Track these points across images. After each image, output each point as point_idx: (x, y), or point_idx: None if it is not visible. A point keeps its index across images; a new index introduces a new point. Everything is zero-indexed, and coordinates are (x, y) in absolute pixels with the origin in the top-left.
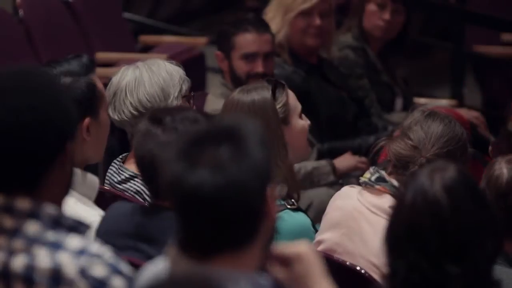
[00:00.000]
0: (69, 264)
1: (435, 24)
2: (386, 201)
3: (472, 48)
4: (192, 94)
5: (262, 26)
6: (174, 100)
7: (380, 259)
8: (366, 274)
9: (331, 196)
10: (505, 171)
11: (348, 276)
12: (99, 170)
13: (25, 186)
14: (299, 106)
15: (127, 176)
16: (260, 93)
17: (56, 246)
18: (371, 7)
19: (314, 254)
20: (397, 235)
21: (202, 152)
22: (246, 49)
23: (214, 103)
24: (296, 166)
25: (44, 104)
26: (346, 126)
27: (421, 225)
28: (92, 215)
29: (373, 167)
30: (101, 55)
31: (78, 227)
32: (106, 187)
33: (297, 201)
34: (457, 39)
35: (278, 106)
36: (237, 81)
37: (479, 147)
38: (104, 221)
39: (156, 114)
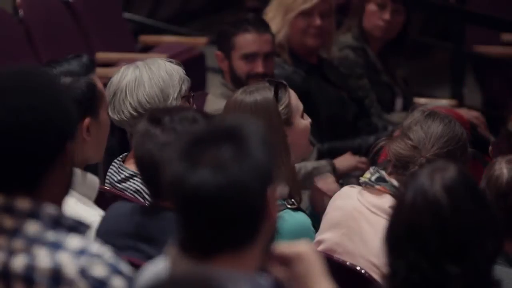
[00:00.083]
0: (69, 264)
1: (435, 24)
2: (386, 201)
3: (472, 48)
4: (192, 94)
5: (262, 26)
6: (173, 101)
7: (380, 259)
8: (366, 274)
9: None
10: (505, 171)
11: (348, 276)
12: (99, 170)
13: (25, 186)
14: (300, 106)
15: (127, 175)
16: (262, 94)
17: (56, 246)
18: (371, 7)
19: (315, 254)
20: (397, 235)
21: (204, 152)
22: (246, 49)
23: (214, 103)
24: (297, 166)
25: (44, 104)
26: (346, 126)
27: (421, 225)
28: (92, 215)
29: (373, 167)
30: (101, 55)
31: (78, 227)
32: (106, 187)
33: (299, 203)
34: (457, 39)
35: (281, 108)
36: (237, 81)
37: (479, 147)
38: (104, 221)
39: (155, 114)
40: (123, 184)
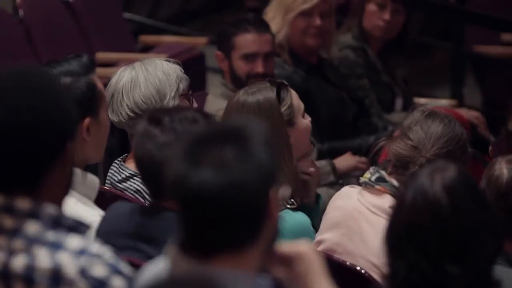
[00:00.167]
0: (69, 264)
1: (435, 24)
2: (386, 201)
3: (472, 48)
4: (190, 93)
5: (262, 26)
6: (170, 100)
7: (380, 259)
8: (366, 274)
9: (331, 196)
10: (505, 171)
11: (348, 276)
12: (99, 170)
13: (25, 186)
14: (302, 106)
15: (127, 175)
16: (265, 94)
17: (56, 246)
18: (371, 7)
19: (315, 254)
20: (397, 235)
21: (207, 152)
22: (246, 49)
23: (214, 103)
24: None
25: (44, 104)
26: (346, 126)
27: (421, 225)
28: (92, 215)
29: (373, 167)
30: (101, 55)
31: (78, 227)
32: (107, 187)
33: (299, 204)
34: (457, 39)
35: (283, 109)
36: (237, 81)
37: (479, 147)
38: (104, 221)
39: (154, 114)
40: (123, 184)
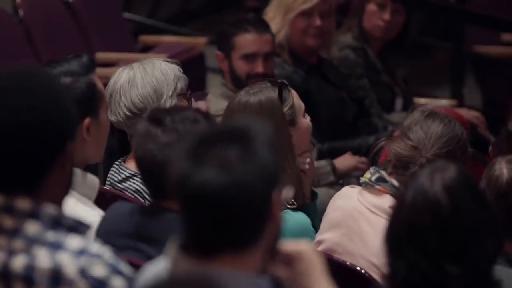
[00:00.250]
0: (69, 264)
1: (435, 24)
2: (386, 201)
3: (472, 48)
4: (189, 92)
5: (262, 26)
6: (168, 100)
7: (380, 259)
8: (366, 274)
9: (331, 196)
10: (505, 171)
11: (348, 276)
12: (99, 170)
13: (25, 186)
14: (302, 105)
15: (127, 175)
16: (266, 94)
17: (56, 246)
18: (371, 7)
19: (315, 253)
20: (397, 235)
21: (210, 151)
22: (246, 49)
23: (214, 103)
24: None
25: (44, 104)
26: (346, 126)
27: (421, 225)
28: (92, 215)
29: (373, 167)
30: (101, 55)
31: (78, 227)
32: (107, 187)
33: (300, 204)
34: (457, 39)
35: (285, 109)
36: (237, 81)
37: (479, 147)
38: (104, 221)
39: (155, 114)
40: (123, 184)
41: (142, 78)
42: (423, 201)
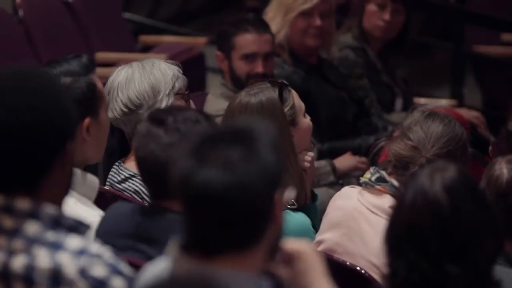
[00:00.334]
0: (69, 264)
1: (435, 24)
2: (386, 201)
3: (472, 48)
4: (187, 93)
5: (262, 26)
6: (164, 97)
7: (380, 259)
8: (366, 274)
9: (331, 196)
10: (505, 171)
11: (348, 276)
12: (99, 170)
13: (25, 186)
14: (303, 105)
15: (126, 175)
16: (267, 95)
17: (56, 246)
18: (371, 7)
19: (315, 253)
20: (397, 235)
21: (213, 151)
22: (246, 49)
23: (214, 103)
24: None
25: (44, 104)
26: (346, 126)
27: (421, 225)
28: (92, 215)
29: (373, 167)
30: (101, 55)
31: (78, 227)
32: (106, 187)
33: (300, 204)
34: (457, 39)
35: (286, 109)
36: (237, 81)
37: (479, 147)
38: (104, 221)
39: (156, 114)
40: (123, 184)
41: (140, 75)
42: (423, 201)
